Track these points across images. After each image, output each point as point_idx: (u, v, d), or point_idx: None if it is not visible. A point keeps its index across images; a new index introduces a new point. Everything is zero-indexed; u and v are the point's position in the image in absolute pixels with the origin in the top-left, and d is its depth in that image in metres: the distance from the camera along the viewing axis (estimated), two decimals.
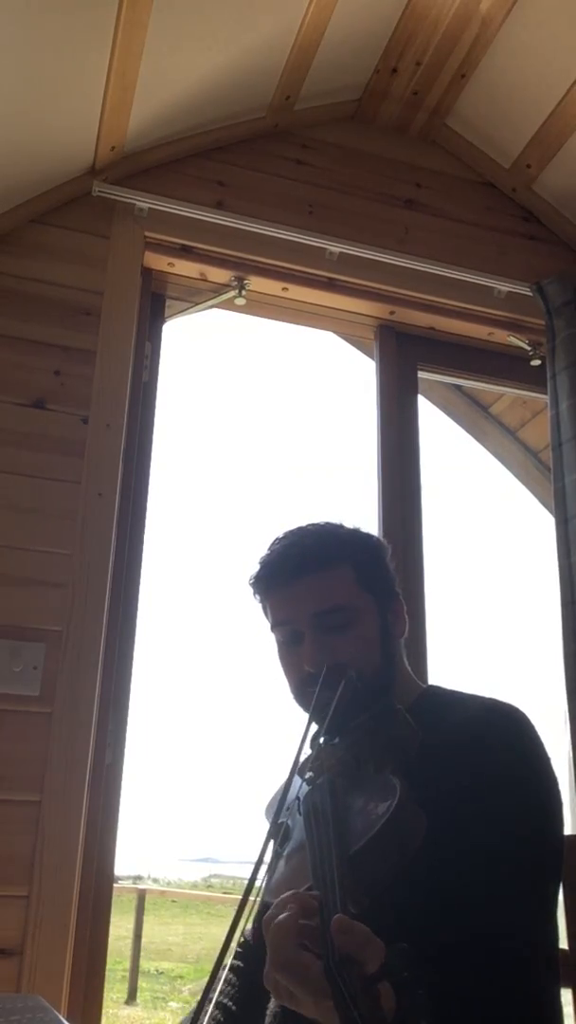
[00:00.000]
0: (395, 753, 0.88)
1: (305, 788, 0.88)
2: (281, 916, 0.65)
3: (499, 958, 0.79)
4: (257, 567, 1.08)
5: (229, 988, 1.10)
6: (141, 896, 8.90)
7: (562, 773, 1.74)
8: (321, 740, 0.95)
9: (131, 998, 7.37)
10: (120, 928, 8.32)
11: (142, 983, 7.85)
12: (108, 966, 1.58)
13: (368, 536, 1.12)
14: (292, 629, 1.04)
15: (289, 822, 0.92)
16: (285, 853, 0.88)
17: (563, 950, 1.02)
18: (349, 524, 1.12)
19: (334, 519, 1.12)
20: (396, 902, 0.74)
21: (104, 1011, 1.52)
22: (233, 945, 0.83)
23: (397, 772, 0.83)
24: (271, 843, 0.91)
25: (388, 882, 0.74)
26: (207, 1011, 0.89)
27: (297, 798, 0.91)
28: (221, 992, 1.09)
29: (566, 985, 1.02)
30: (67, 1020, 0.84)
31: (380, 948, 0.61)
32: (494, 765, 0.89)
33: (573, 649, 1.83)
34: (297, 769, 0.96)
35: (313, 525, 1.10)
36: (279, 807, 0.94)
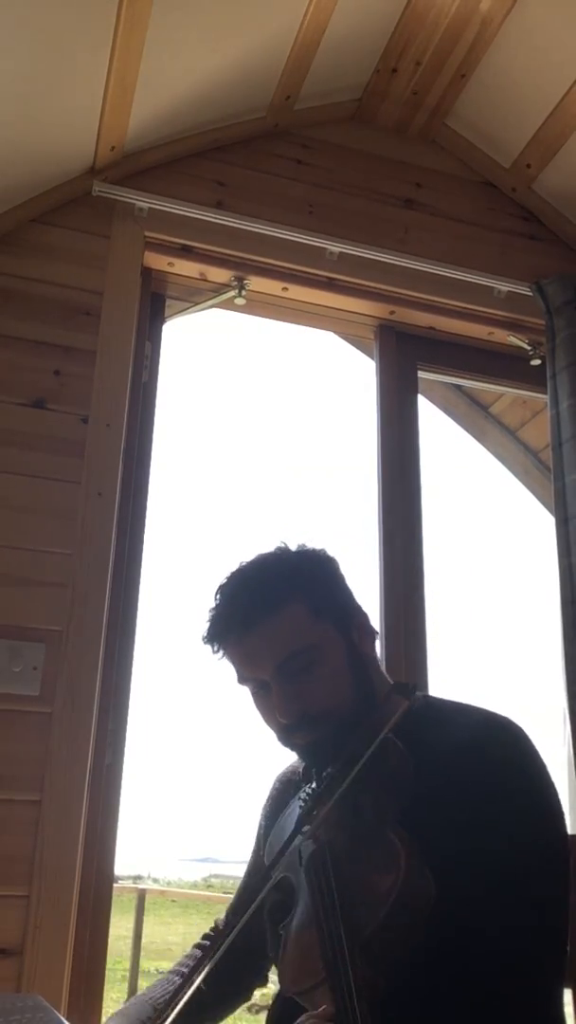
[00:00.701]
0: (391, 792, 0.86)
1: (304, 844, 0.87)
2: None
3: (524, 988, 0.79)
4: (207, 624, 1.03)
5: (195, 964, 1.11)
6: (141, 896, 8.89)
7: (561, 773, 1.74)
8: (317, 778, 0.95)
9: (131, 998, 7.36)
10: (120, 928, 8.31)
11: (142, 983, 7.84)
12: (108, 966, 1.58)
13: (313, 555, 1.06)
14: (258, 681, 1.01)
15: (292, 878, 0.89)
16: (294, 926, 0.85)
17: None
18: (293, 545, 1.07)
19: (276, 543, 1.07)
20: (415, 963, 0.74)
21: (104, 1011, 1.51)
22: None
23: (398, 823, 0.82)
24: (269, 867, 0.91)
25: (403, 958, 0.74)
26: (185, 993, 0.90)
27: (299, 851, 0.89)
28: (188, 967, 1.12)
29: (566, 985, 1.02)
30: (67, 1020, 0.84)
31: None
32: (496, 782, 0.88)
33: (572, 649, 1.82)
34: (294, 783, 0.94)
35: (255, 562, 1.05)
36: (276, 857, 0.93)
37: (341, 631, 1.02)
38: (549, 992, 0.83)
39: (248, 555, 1.07)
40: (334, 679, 0.98)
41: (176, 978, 1.09)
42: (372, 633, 1.07)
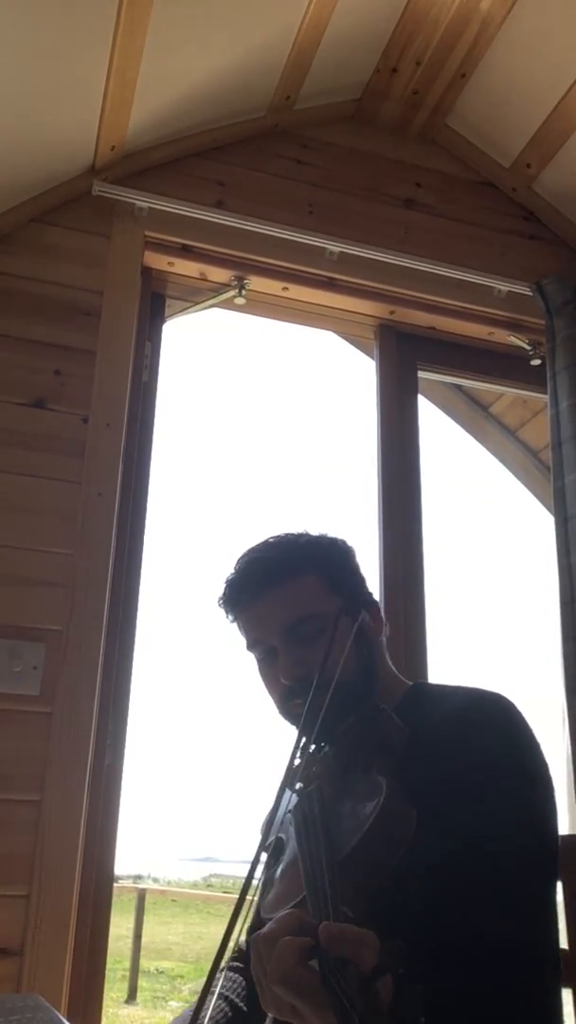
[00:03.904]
0: (382, 754, 0.88)
1: (295, 799, 0.88)
2: (283, 939, 0.65)
3: (495, 953, 0.79)
4: (223, 588, 1.07)
5: (236, 987, 1.10)
6: (141, 896, 8.91)
7: (560, 771, 1.74)
8: (311, 748, 0.95)
9: (131, 998, 7.38)
10: (120, 928, 8.32)
11: (142, 983, 7.86)
12: (108, 966, 1.58)
13: (333, 540, 1.10)
14: (266, 646, 1.03)
15: (283, 835, 0.91)
16: (280, 869, 0.87)
17: (563, 950, 1.02)
18: (314, 531, 1.11)
19: (298, 527, 1.11)
20: (393, 901, 0.74)
21: (104, 1011, 1.52)
22: (232, 945, 0.83)
23: (384, 771, 0.83)
24: (263, 858, 0.91)
25: (382, 881, 0.74)
26: (209, 1004, 0.89)
27: (289, 811, 0.90)
28: (231, 989, 1.09)
29: (566, 985, 1.01)
30: (67, 1020, 0.84)
31: (372, 944, 0.61)
32: (483, 755, 0.89)
33: (572, 648, 1.83)
34: (287, 781, 0.95)
35: (275, 537, 1.09)
36: (270, 820, 0.94)
37: (352, 610, 1.04)
38: (525, 948, 0.82)
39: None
40: (340, 651, 1.00)
41: (223, 1003, 1.07)
42: (381, 622, 1.09)
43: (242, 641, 1.07)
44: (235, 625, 1.08)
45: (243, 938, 1.17)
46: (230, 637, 1.09)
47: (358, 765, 0.87)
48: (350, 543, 1.12)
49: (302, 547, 1.06)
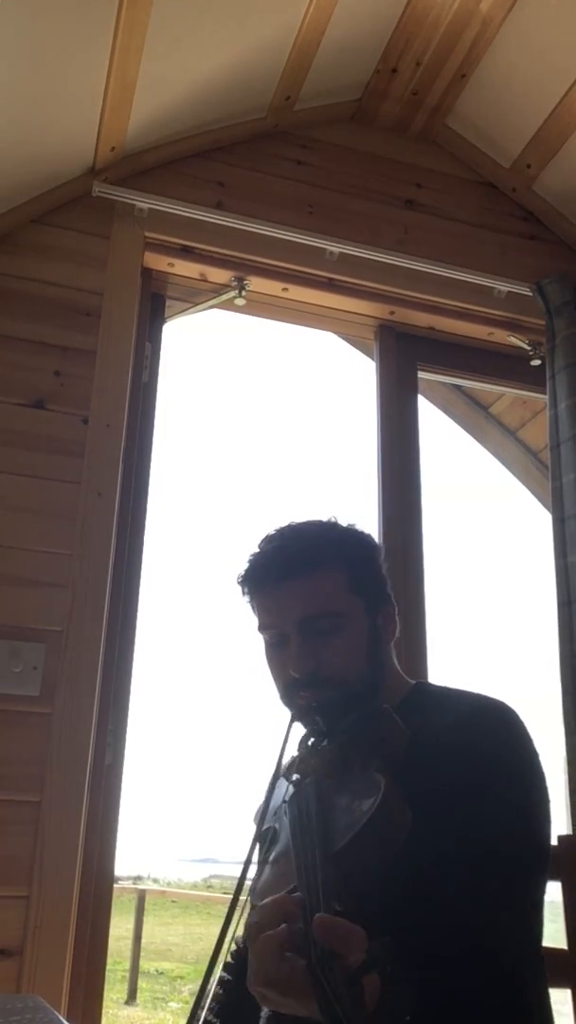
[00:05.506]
0: (382, 752, 0.88)
1: (291, 790, 0.88)
2: (262, 936, 0.65)
3: (485, 954, 0.79)
4: (246, 565, 1.06)
5: (215, 1004, 1.09)
6: (141, 896, 8.90)
7: (557, 771, 1.74)
8: (310, 741, 0.95)
9: (131, 998, 7.38)
10: (120, 928, 8.32)
11: (142, 983, 7.85)
12: (108, 966, 1.58)
13: (361, 536, 1.09)
14: (279, 632, 1.02)
15: (276, 825, 0.91)
16: (272, 857, 0.87)
17: (563, 950, 1.02)
18: (344, 522, 1.09)
19: (328, 516, 1.10)
20: (383, 900, 0.74)
21: (104, 1011, 1.52)
22: (224, 952, 0.82)
23: (383, 769, 0.83)
24: (256, 848, 0.90)
25: (373, 877, 0.74)
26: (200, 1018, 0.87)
27: (284, 801, 0.90)
28: (208, 1008, 1.07)
29: (566, 985, 1.02)
30: (67, 1020, 0.84)
31: (362, 940, 0.61)
32: (483, 763, 0.89)
33: (569, 649, 1.83)
34: (283, 772, 0.95)
35: (306, 523, 1.08)
36: (264, 811, 0.94)
37: (369, 611, 1.04)
38: (513, 955, 0.82)
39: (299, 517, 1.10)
40: (351, 651, 1.00)
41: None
42: (395, 624, 1.08)
43: (251, 622, 1.06)
44: (250, 604, 1.07)
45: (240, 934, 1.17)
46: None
47: (357, 762, 0.87)
48: (376, 540, 1.11)
49: (331, 540, 1.05)
